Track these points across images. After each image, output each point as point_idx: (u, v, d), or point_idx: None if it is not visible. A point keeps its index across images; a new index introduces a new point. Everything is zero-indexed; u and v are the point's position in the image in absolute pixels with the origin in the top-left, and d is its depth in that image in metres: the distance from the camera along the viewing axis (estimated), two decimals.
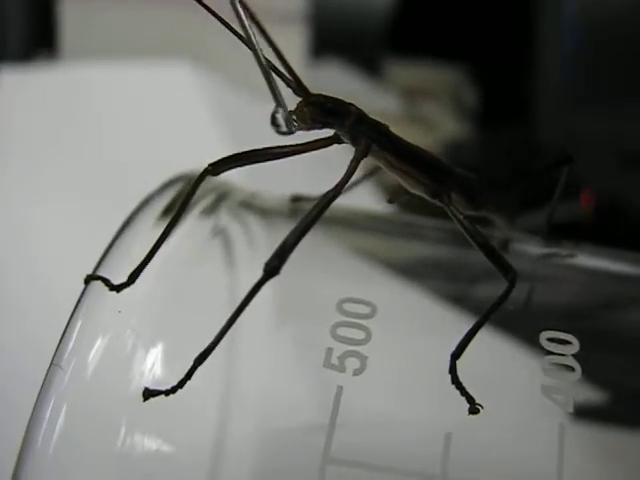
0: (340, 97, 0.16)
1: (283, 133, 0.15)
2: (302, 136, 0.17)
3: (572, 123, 0.53)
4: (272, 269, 0.14)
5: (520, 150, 0.54)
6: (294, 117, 0.15)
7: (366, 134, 0.16)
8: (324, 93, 0.15)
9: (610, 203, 0.48)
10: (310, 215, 0.14)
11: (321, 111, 0.15)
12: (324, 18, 0.55)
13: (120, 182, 0.36)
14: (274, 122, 0.15)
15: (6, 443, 0.17)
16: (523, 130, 0.54)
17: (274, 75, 0.15)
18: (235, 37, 0.15)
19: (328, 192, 0.15)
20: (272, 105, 0.17)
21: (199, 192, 0.22)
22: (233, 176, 0.23)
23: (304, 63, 0.51)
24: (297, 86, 0.15)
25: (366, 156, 0.16)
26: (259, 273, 0.15)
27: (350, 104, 0.16)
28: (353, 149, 0.16)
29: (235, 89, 0.44)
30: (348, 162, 0.16)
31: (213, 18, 0.16)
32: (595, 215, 0.46)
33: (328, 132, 0.16)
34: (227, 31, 0.16)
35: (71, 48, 0.51)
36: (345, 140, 0.16)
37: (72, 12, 0.51)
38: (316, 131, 0.16)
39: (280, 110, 0.15)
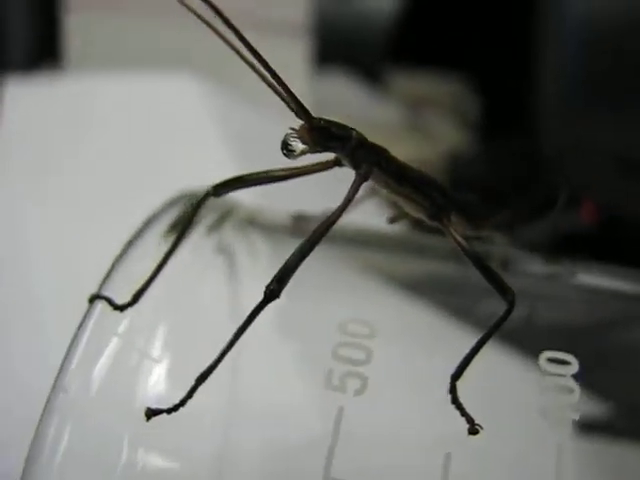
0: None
1: (294, 157, 0.15)
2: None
3: (574, 133, 0.53)
4: (272, 292, 0.15)
5: (522, 161, 0.54)
6: (296, 139, 0.15)
7: (367, 158, 0.16)
8: (325, 117, 0.16)
9: (611, 213, 0.48)
10: (310, 240, 0.15)
11: (323, 135, 0.15)
12: (327, 29, 0.55)
13: (124, 194, 0.36)
14: (285, 147, 0.15)
15: (9, 462, 0.17)
16: (525, 140, 0.54)
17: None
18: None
19: (328, 217, 0.15)
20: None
21: (203, 209, 0.22)
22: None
23: (308, 74, 0.52)
24: (299, 109, 0.15)
25: (367, 180, 0.16)
26: (262, 290, 0.15)
27: (351, 128, 0.16)
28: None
29: (239, 100, 0.44)
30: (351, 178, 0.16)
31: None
32: (596, 225, 0.46)
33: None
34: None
35: (75, 58, 0.51)
36: (346, 164, 0.16)
37: (76, 22, 0.51)
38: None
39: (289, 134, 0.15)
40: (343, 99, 0.55)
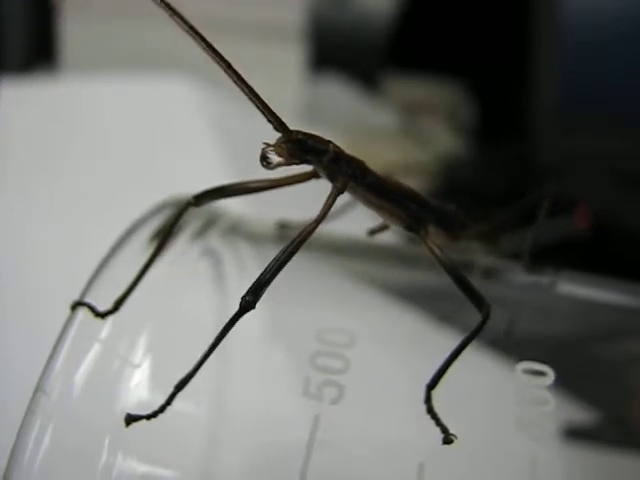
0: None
1: (271, 169, 0.16)
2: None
3: (569, 140, 0.53)
4: (247, 303, 0.15)
5: (516, 167, 0.54)
6: (272, 152, 0.15)
7: (343, 171, 0.16)
8: (302, 130, 0.16)
9: (604, 221, 0.48)
10: (286, 251, 0.15)
11: (300, 148, 0.16)
12: (323, 33, 0.55)
13: (118, 196, 0.36)
14: (263, 159, 0.15)
15: None
16: (520, 147, 0.55)
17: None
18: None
19: (304, 228, 0.15)
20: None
21: (188, 216, 0.22)
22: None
23: (303, 77, 0.52)
24: (276, 122, 0.15)
25: (343, 192, 0.16)
26: None
27: (328, 141, 0.16)
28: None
29: (233, 103, 0.44)
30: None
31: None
32: (589, 232, 0.46)
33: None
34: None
35: (71, 60, 0.51)
36: (323, 176, 0.17)
37: (72, 24, 0.51)
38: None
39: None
40: (338, 103, 0.55)
